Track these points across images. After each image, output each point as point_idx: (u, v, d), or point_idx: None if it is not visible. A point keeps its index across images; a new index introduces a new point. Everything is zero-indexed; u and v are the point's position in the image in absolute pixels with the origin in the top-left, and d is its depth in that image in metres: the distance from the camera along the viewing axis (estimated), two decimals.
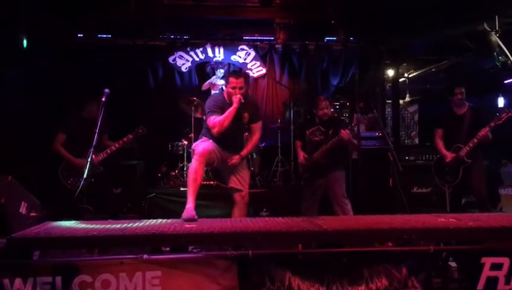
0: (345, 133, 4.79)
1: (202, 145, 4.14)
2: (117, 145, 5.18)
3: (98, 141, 4.67)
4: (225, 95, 4.29)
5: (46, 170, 5.31)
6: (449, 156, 5.09)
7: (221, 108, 4.21)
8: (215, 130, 4.17)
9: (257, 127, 4.47)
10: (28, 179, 4.27)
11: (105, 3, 7.13)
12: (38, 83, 6.73)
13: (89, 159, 4.16)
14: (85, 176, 4.12)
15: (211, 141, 4.24)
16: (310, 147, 5.10)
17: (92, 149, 4.26)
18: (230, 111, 4.12)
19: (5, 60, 6.23)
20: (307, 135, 5.12)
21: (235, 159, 4.28)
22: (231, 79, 4.21)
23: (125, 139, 5.22)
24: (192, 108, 6.79)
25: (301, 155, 5.09)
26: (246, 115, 4.32)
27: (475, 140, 4.92)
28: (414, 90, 9.67)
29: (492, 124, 4.86)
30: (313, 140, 5.07)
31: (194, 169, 4.01)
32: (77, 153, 5.07)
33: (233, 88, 4.16)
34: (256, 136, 4.47)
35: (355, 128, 4.85)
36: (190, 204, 3.85)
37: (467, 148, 4.97)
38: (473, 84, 5.51)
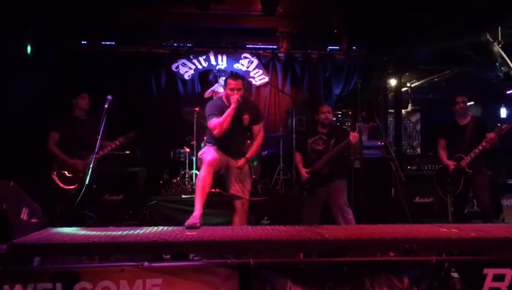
0: (354, 136, 4.77)
1: (210, 154, 4.17)
2: (109, 147, 5.26)
3: (93, 144, 4.85)
4: (224, 99, 4.36)
5: (48, 176, 5.34)
6: (451, 164, 5.08)
7: (221, 111, 4.26)
8: (215, 132, 4.23)
9: (259, 128, 4.51)
10: (31, 185, 4.27)
11: (110, 11, 7.17)
12: (42, 89, 6.75)
13: (91, 166, 4.19)
14: (87, 182, 4.14)
15: (215, 147, 4.27)
16: (312, 155, 5.07)
17: (94, 156, 4.29)
18: (228, 112, 4.18)
19: (9, 67, 6.26)
20: (309, 144, 5.09)
21: (241, 161, 4.32)
22: (229, 81, 4.28)
23: (117, 142, 5.31)
24: (195, 116, 6.81)
25: (303, 171, 5.03)
26: (246, 116, 4.36)
27: (476, 150, 4.91)
28: (416, 99, 9.67)
29: (497, 131, 4.87)
30: (315, 149, 5.05)
31: (203, 177, 4.06)
32: (68, 152, 5.18)
33: (232, 89, 4.23)
34: (259, 138, 4.51)
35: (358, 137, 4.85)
36: (197, 211, 3.90)
37: (468, 158, 4.96)
38: (475, 94, 5.51)
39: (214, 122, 4.23)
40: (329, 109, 5.15)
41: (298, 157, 5.19)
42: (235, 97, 4.18)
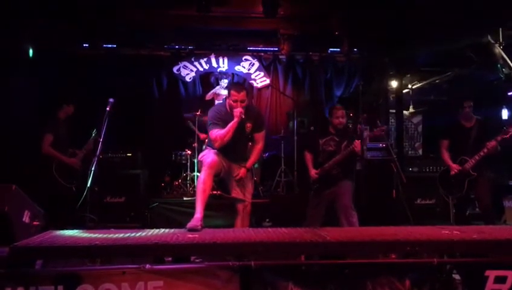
0: (358, 145, 4.72)
1: (210, 157, 4.16)
2: (81, 154, 5.64)
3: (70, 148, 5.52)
4: (227, 106, 4.29)
5: (49, 174, 5.40)
6: (455, 168, 5.07)
7: (223, 120, 4.22)
8: (216, 144, 4.21)
9: (260, 136, 4.48)
10: (32, 186, 4.29)
11: (111, 13, 7.19)
12: (44, 92, 6.77)
13: (93, 169, 4.21)
14: (88, 184, 4.16)
15: (216, 151, 4.26)
16: (322, 156, 4.99)
17: (96, 158, 4.31)
18: (231, 126, 4.13)
19: (10, 69, 6.28)
20: (320, 144, 5.01)
21: (242, 172, 4.30)
22: (232, 92, 4.20)
23: (83, 150, 5.67)
24: (196, 118, 6.82)
25: (313, 172, 4.97)
26: (248, 125, 4.33)
27: (481, 153, 4.90)
28: (418, 101, 9.65)
29: (499, 137, 4.84)
30: (326, 150, 4.98)
31: (203, 180, 4.04)
32: (61, 153, 5.46)
33: (235, 101, 4.16)
34: (259, 146, 4.48)
35: (361, 139, 4.83)
36: (198, 214, 3.88)
37: (473, 161, 4.95)
38: (476, 96, 5.50)
39: (215, 133, 4.18)
40: (344, 113, 5.00)
41: (308, 156, 5.07)
42: (238, 110, 4.11)
